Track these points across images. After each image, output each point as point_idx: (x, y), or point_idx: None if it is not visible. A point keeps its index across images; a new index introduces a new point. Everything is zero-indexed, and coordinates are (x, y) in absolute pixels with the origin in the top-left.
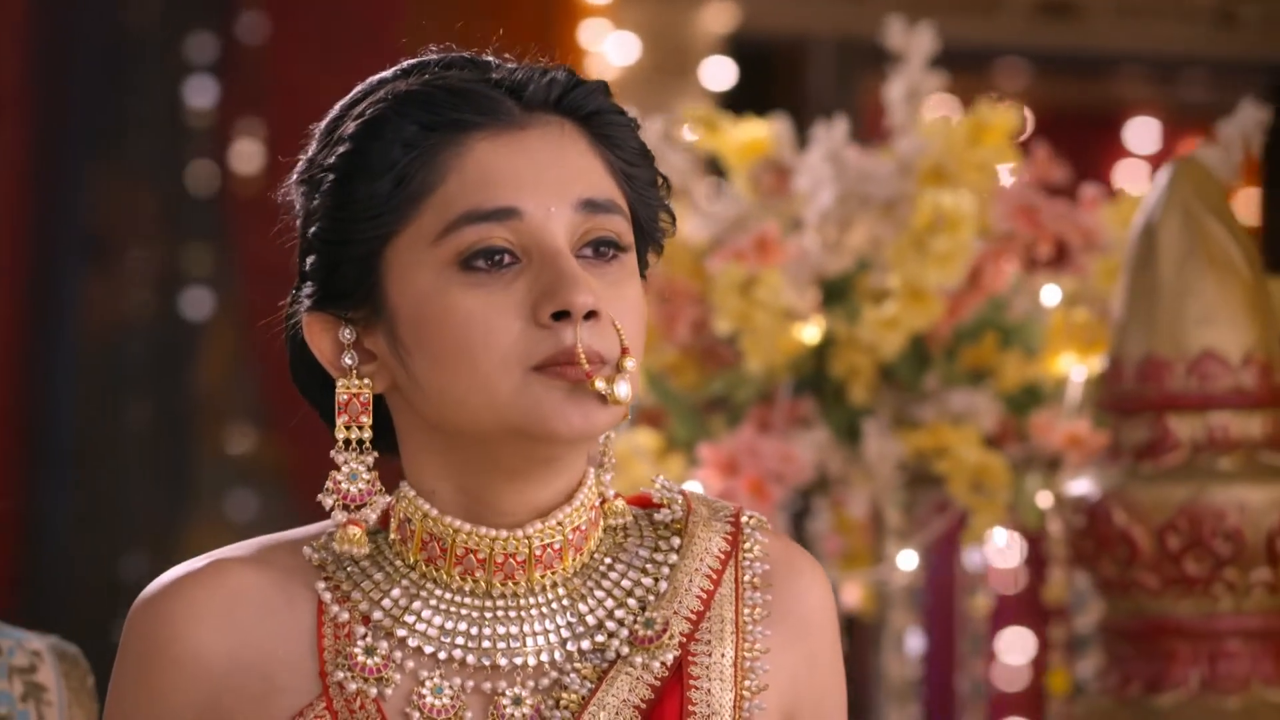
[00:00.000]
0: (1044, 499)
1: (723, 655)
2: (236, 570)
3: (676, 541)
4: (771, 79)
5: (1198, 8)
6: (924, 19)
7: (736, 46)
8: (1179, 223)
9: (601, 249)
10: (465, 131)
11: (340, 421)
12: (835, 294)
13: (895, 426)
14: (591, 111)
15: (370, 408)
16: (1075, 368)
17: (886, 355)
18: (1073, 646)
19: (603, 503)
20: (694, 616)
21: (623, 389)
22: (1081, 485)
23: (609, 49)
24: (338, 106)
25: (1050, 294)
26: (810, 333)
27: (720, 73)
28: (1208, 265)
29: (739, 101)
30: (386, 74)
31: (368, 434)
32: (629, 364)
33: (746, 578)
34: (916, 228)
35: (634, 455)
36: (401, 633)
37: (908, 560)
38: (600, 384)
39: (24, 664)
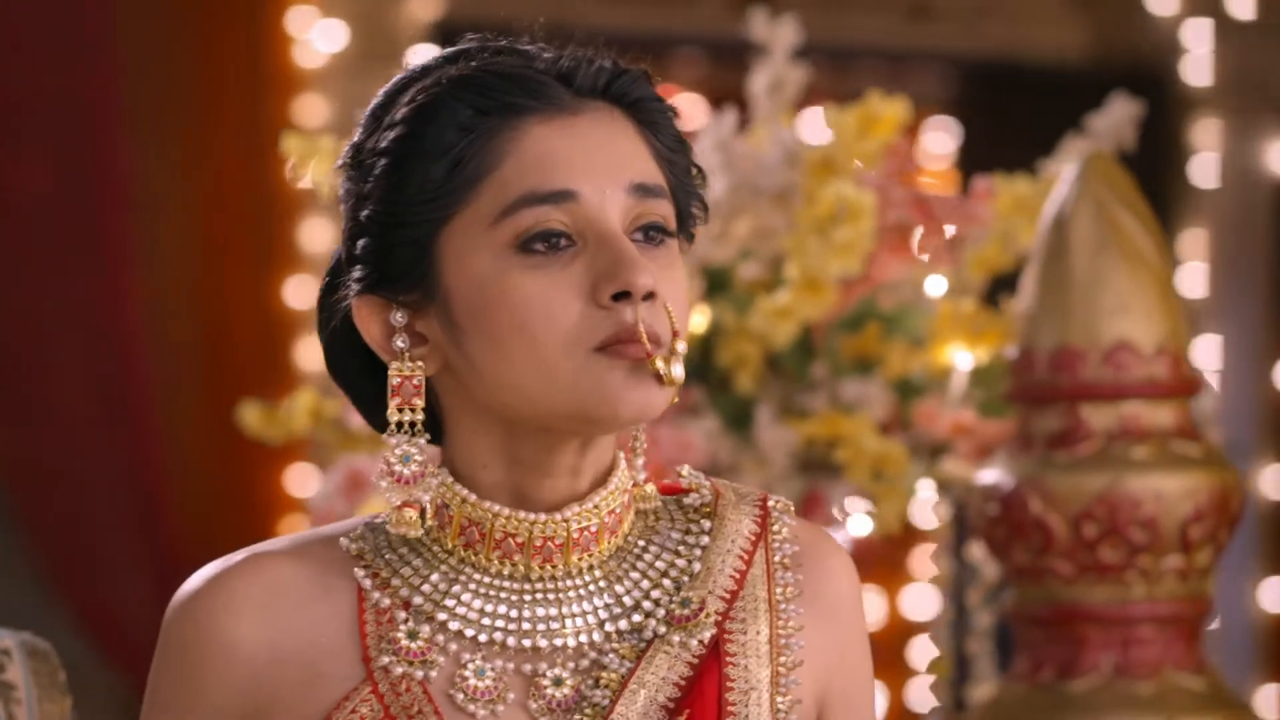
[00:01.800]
0: (925, 487)
1: (758, 633)
2: (273, 563)
3: (707, 524)
4: None
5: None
6: (614, 9)
7: (444, 33)
8: (1091, 215)
9: (651, 233)
10: (520, 115)
11: (393, 404)
12: (718, 284)
13: (782, 415)
14: (636, 99)
15: (423, 390)
16: (961, 356)
17: (778, 344)
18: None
19: (633, 486)
20: (728, 596)
21: (678, 370)
22: (991, 474)
23: (316, 36)
24: (381, 92)
25: (935, 284)
26: (697, 321)
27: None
28: (1120, 257)
29: None
30: (429, 60)
31: (420, 416)
32: (680, 346)
33: (776, 558)
34: (819, 217)
35: None
36: (442, 616)
37: None
38: (660, 363)
39: None
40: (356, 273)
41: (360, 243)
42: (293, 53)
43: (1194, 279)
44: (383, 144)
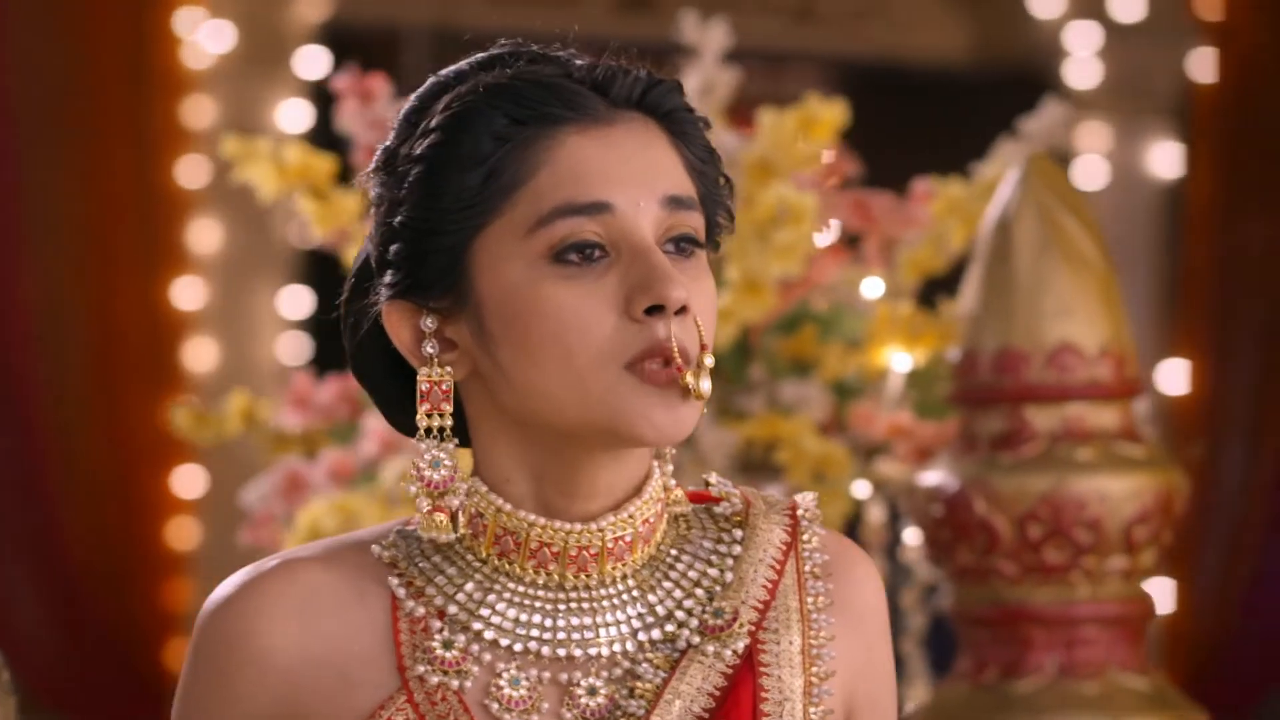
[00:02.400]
0: (861, 488)
1: (791, 643)
2: (307, 569)
3: (739, 533)
4: (365, 68)
5: (776, 2)
6: (498, 9)
7: (330, 35)
8: (1034, 218)
9: (682, 245)
10: (556, 125)
11: (422, 410)
12: None
13: (720, 417)
14: (670, 109)
15: (451, 396)
16: (898, 358)
17: (716, 347)
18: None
19: (665, 493)
20: (761, 606)
21: (706, 384)
22: (935, 476)
23: (203, 37)
24: (414, 97)
25: (871, 286)
26: None
27: (314, 62)
28: (1063, 260)
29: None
30: (463, 66)
31: (449, 421)
32: (708, 360)
33: (807, 568)
34: (759, 219)
35: None
36: (477, 626)
37: None
38: (689, 379)
39: None
40: (388, 278)
41: (392, 248)
42: (180, 54)
43: None
44: (417, 150)
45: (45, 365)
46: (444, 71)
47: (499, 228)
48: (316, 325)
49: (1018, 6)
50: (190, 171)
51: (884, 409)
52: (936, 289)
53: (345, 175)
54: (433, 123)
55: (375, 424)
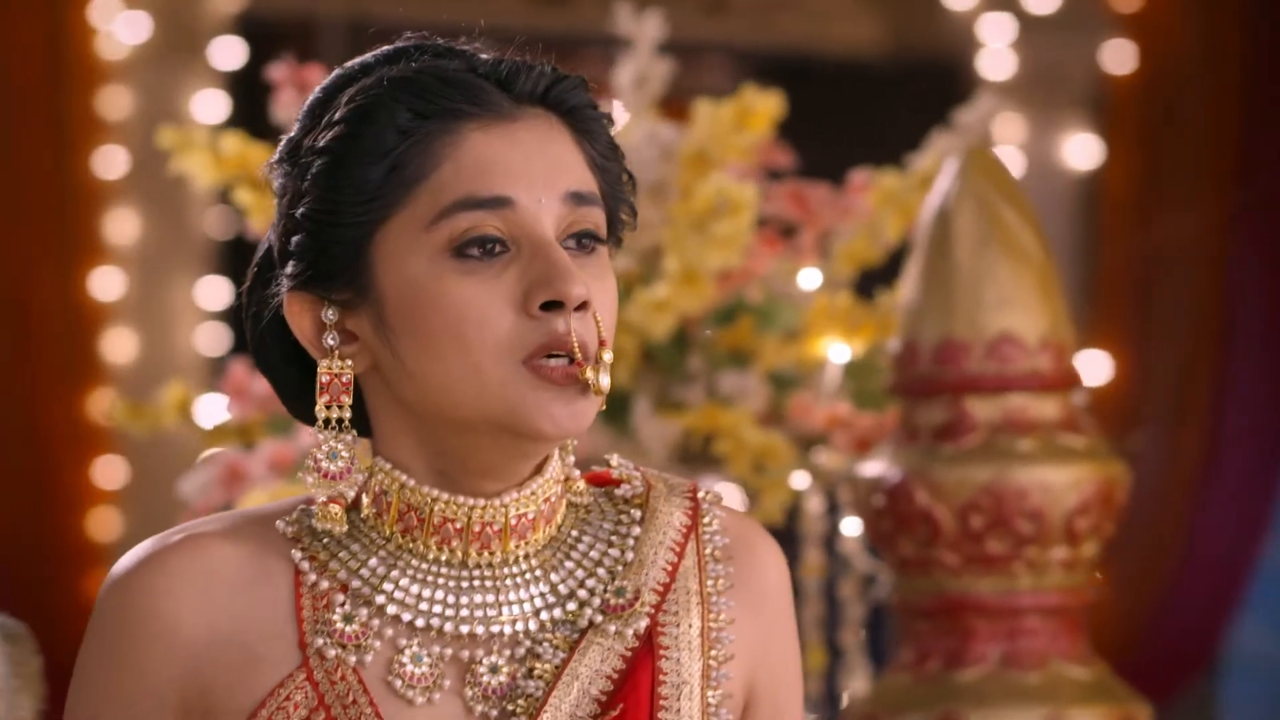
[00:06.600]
0: (801, 479)
1: (690, 626)
2: (212, 543)
3: (637, 514)
4: (281, 59)
5: None
6: (419, 1)
7: (246, 26)
8: (973, 209)
9: (584, 241)
10: (458, 120)
11: (321, 402)
12: None
13: (658, 408)
14: (573, 106)
15: (351, 388)
16: (836, 349)
17: (656, 337)
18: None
19: (565, 479)
20: (660, 589)
21: (605, 380)
22: (876, 467)
23: (119, 28)
24: (319, 88)
25: (809, 277)
26: None
27: (230, 53)
28: (1003, 251)
29: (249, 82)
30: (368, 59)
31: (348, 414)
32: (606, 356)
33: (708, 551)
34: (697, 211)
35: None
36: (380, 600)
37: None
38: (589, 374)
39: None
40: (289, 269)
41: (294, 240)
42: (95, 45)
43: None
44: (321, 143)
45: None
46: (348, 64)
47: (400, 221)
48: (235, 316)
49: None
50: (107, 162)
51: (822, 400)
52: (873, 280)
53: None
54: (336, 115)
55: None
